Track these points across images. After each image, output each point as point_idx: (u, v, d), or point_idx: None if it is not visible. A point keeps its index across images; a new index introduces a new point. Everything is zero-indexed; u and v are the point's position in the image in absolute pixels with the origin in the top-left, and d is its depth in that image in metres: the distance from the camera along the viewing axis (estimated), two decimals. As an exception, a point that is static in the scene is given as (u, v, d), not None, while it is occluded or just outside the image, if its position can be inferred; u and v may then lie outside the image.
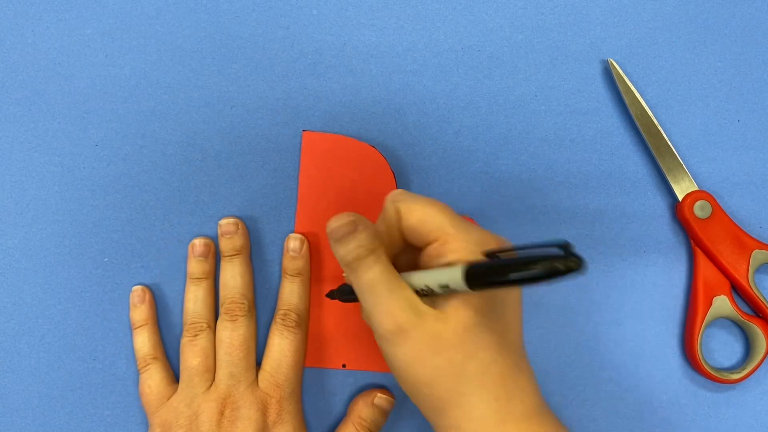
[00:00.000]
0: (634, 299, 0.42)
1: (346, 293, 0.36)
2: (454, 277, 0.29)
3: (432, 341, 0.30)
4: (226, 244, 0.40)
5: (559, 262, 0.25)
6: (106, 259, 0.41)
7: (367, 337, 0.41)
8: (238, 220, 0.41)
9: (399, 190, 0.34)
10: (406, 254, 0.34)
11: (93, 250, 0.41)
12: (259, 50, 0.43)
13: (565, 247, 0.25)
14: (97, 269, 0.41)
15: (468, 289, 0.29)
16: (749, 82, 0.44)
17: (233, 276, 0.40)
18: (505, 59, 0.43)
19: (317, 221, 0.41)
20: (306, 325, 0.40)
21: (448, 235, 0.31)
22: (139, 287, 0.41)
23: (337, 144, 0.42)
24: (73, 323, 0.41)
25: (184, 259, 0.41)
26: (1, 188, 0.41)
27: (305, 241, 0.41)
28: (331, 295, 0.38)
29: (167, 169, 0.42)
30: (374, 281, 0.31)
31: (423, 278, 0.31)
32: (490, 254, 0.29)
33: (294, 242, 0.41)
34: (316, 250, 0.41)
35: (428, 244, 0.32)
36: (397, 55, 0.43)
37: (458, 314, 0.30)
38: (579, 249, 0.42)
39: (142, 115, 0.42)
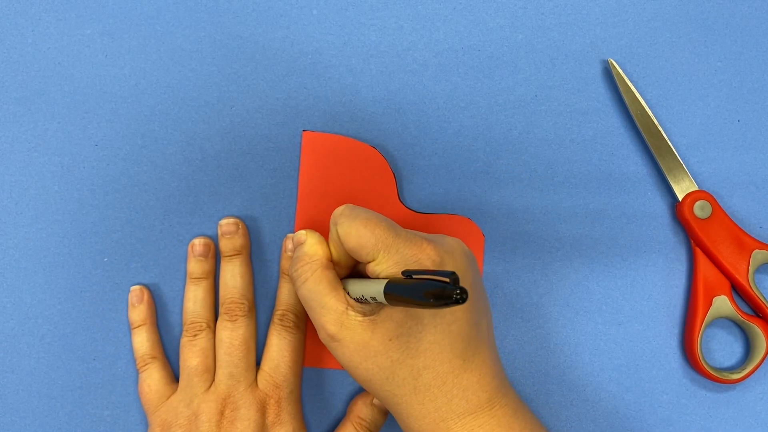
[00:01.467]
0: (634, 299, 0.42)
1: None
2: (378, 291, 0.31)
3: (360, 349, 0.33)
4: (226, 244, 0.40)
5: (449, 293, 0.26)
6: (105, 259, 0.41)
7: (367, 337, 0.41)
8: (238, 220, 0.41)
9: (341, 209, 0.35)
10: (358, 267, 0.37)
11: (93, 250, 0.41)
12: (259, 50, 0.43)
13: (453, 280, 0.27)
14: (96, 269, 0.41)
15: (387, 304, 0.30)
16: (749, 82, 0.44)
17: (233, 276, 0.40)
18: (505, 59, 0.43)
19: (317, 221, 0.41)
20: (304, 325, 0.40)
21: (380, 256, 0.33)
22: (137, 287, 0.41)
23: (337, 144, 0.42)
24: (73, 323, 0.41)
25: (184, 259, 0.41)
26: (1, 188, 0.41)
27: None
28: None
29: (167, 169, 0.42)
30: (312, 291, 0.34)
31: (360, 289, 0.33)
32: (407, 274, 0.30)
33: (292, 242, 0.41)
34: (316, 250, 0.41)
35: (368, 262, 0.34)
36: (397, 55, 0.43)
37: (384, 325, 0.33)
38: (579, 249, 0.42)
39: (142, 115, 0.42)
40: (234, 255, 0.40)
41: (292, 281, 0.36)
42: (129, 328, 0.41)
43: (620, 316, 0.42)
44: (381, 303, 0.31)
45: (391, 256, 0.33)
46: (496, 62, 0.43)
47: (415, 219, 0.41)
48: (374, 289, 0.31)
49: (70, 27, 0.42)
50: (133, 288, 0.41)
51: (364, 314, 0.33)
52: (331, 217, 0.36)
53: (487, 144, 0.43)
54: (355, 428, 0.39)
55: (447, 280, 0.27)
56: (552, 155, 0.43)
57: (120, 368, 0.41)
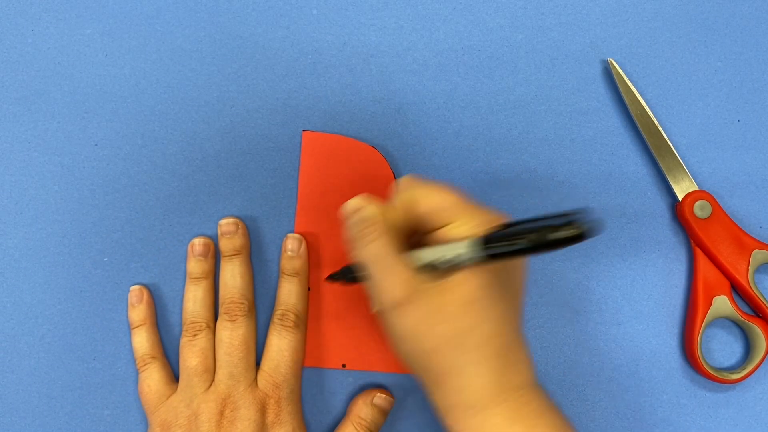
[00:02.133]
0: (634, 299, 0.42)
1: (348, 274, 0.36)
2: (464, 249, 0.31)
3: (435, 312, 0.32)
4: (225, 244, 0.40)
5: (565, 230, 0.27)
6: (105, 259, 0.41)
7: (367, 337, 0.41)
8: (238, 220, 0.41)
9: (409, 176, 0.35)
10: (413, 239, 0.35)
11: (93, 250, 0.41)
12: (259, 50, 0.43)
13: (572, 215, 0.28)
14: (96, 269, 0.41)
15: (478, 261, 0.30)
16: (749, 82, 0.44)
17: (233, 276, 0.40)
18: (505, 59, 0.43)
19: (317, 221, 0.41)
20: (304, 325, 0.40)
21: (459, 219, 0.33)
22: (137, 287, 0.41)
23: (337, 144, 0.42)
24: (73, 323, 0.41)
25: (184, 259, 0.41)
26: (1, 188, 0.41)
27: (303, 240, 0.41)
28: (333, 277, 0.38)
29: (167, 169, 0.42)
30: (378, 254, 0.32)
31: (432, 253, 0.32)
32: (513, 223, 0.31)
33: (292, 242, 0.41)
34: (315, 251, 0.41)
35: (440, 227, 0.33)
36: (397, 55, 0.43)
37: (463, 287, 0.32)
38: (579, 249, 0.42)
39: (142, 115, 0.42)
40: (234, 255, 0.40)
41: (352, 244, 0.34)
42: (129, 328, 0.41)
43: (620, 316, 0.42)
44: (461, 265, 0.31)
45: (473, 217, 0.32)
46: (496, 62, 0.43)
47: (415, 219, 0.41)
48: (456, 249, 0.31)
49: (70, 27, 0.42)
50: (132, 288, 0.41)
51: (434, 279, 0.32)
52: (398, 185, 0.35)
53: (487, 144, 0.43)
54: (355, 428, 0.39)
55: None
56: (552, 155, 0.43)
57: (120, 368, 0.41)
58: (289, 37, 0.43)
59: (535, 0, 0.44)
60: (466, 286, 0.32)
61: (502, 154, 0.43)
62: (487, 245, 0.30)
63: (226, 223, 0.41)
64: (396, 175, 0.42)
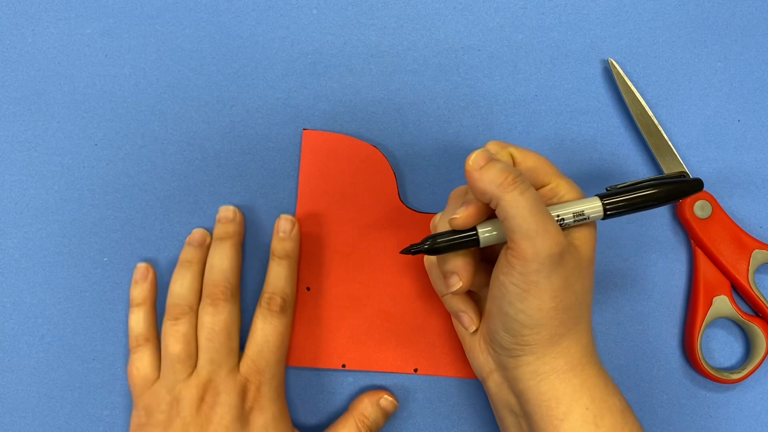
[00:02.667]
0: (634, 299, 0.42)
1: (442, 244, 0.34)
2: (593, 205, 0.34)
3: (577, 267, 0.33)
4: (219, 229, 0.40)
5: (685, 183, 0.34)
6: (105, 259, 0.41)
7: (368, 337, 0.41)
8: (236, 209, 0.41)
9: (495, 141, 0.35)
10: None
11: (93, 250, 0.41)
12: (259, 50, 0.43)
13: (683, 174, 0.35)
14: (96, 269, 0.41)
15: (602, 216, 0.34)
16: (749, 82, 0.44)
17: (221, 258, 0.39)
18: (505, 59, 0.43)
19: (317, 221, 0.41)
20: (291, 309, 0.40)
21: (558, 180, 0.35)
22: (143, 264, 0.40)
23: (337, 143, 0.42)
24: (73, 323, 0.41)
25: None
26: (1, 188, 0.41)
27: (296, 223, 0.41)
28: (415, 250, 0.34)
29: (167, 169, 0.42)
30: (539, 200, 0.32)
31: (557, 209, 0.34)
32: (610, 189, 0.35)
33: (284, 223, 0.40)
34: (315, 249, 0.41)
35: (539, 187, 0.35)
36: (397, 55, 0.43)
37: (586, 246, 0.34)
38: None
39: (142, 115, 0.42)
40: (225, 239, 0.40)
41: (503, 190, 0.31)
42: (129, 328, 0.41)
43: (620, 316, 0.42)
44: (585, 221, 0.34)
45: (567, 182, 0.35)
46: (496, 62, 0.43)
47: (415, 218, 0.41)
48: (583, 205, 0.34)
49: (70, 27, 0.42)
50: (139, 265, 0.40)
51: None
52: (493, 146, 0.35)
53: (487, 144, 0.43)
54: (357, 425, 0.39)
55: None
56: (552, 155, 0.43)
57: (120, 368, 0.41)
58: (289, 37, 0.43)
59: (535, 0, 0.44)
60: (589, 245, 0.34)
61: (502, 154, 0.43)
62: (616, 200, 0.34)
63: (224, 209, 0.41)
64: (396, 175, 0.42)
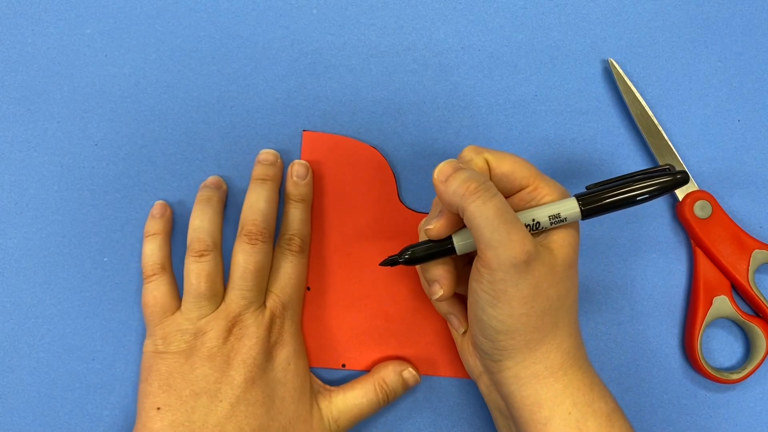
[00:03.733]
0: (634, 299, 0.42)
1: (419, 254, 0.34)
2: (570, 205, 0.33)
3: (549, 273, 0.32)
4: (259, 170, 0.40)
5: (668, 177, 0.31)
6: (105, 259, 0.41)
7: (367, 337, 0.41)
8: (278, 154, 0.41)
9: (472, 146, 0.35)
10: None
11: (93, 250, 0.41)
12: (259, 50, 0.43)
13: (659, 168, 0.31)
14: (96, 269, 0.41)
15: (579, 217, 0.33)
16: (749, 82, 0.44)
17: (259, 199, 0.39)
18: (505, 59, 0.43)
19: (317, 221, 0.41)
20: (308, 249, 0.41)
21: (538, 182, 0.34)
22: (161, 202, 0.41)
23: (337, 144, 0.42)
24: (73, 323, 0.41)
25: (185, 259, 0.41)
26: (1, 188, 0.41)
27: (310, 168, 0.41)
28: (392, 261, 0.35)
29: (167, 169, 0.42)
30: (502, 208, 0.31)
31: (531, 213, 0.33)
32: (590, 188, 0.34)
33: (299, 168, 0.40)
34: (316, 250, 0.41)
35: (517, 191, 0.34)
36: (397, 55, 0.43)
37: (563, 250, 0.33)
38: (579, 249, 0.42)
39: (142, 115, 0.42)
40: (266, 180, 0.40)
41: (466, 200, 0.31)
42: (129, 329, 0.41)
43: (620, 316, 0.42)
44: (562, 223, 0.33)
45: (547, 183, 0.34)
46: (496, 62, 0.43)
47: (414, 219, 0.41)
48: (559, 207, 0.33)
49: (70, 27, 0.42)
50: (157, 202, 0.41)
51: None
52: (467, 152, 0.35)
53: (487, 144, 0.43)
54: (376, 389, 0.39)
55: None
56: (552, 155, 0.43)
57: (120, 368, 0.41)
58: (289, 37, 0.43)
59: (535, 0, 0.44)
60: (566, 248, 0.33)
61: (502, 154, 0.43)
62: (593, 201, 0.33)
63: (265, 152, 0.41)
64: (396, 175, 0.42)
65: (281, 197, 0.41)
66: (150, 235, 0.40)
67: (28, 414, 0.40)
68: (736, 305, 0.41)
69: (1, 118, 0.42)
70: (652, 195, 0.33)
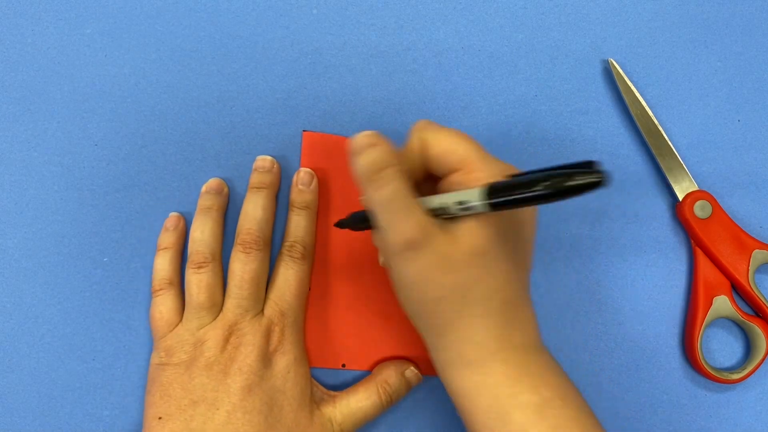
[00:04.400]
0: (634, 299, 0.42)
1: (358, 221, 0.36)
2: (474, 194, 0.30)
3: (442, 261, 0.31)
4: (256, 178, 0.40)
5: (581, 177, 0.26)
6: (105, 259, 0.41)
7: (367, 337, 0.41)
8: (273, 160, 0.41)
9: (424, 121, 0.34)
10: (426, 186, 0.35)
11: (93, 250, 0.41)
12: (259, 50, 0.43)
13: (588, 164, 0.27)
14: (96, 269, 0.41)
15: (486, 208, 0.29)
16: (749, 82, 0.44)
17: (255, 207, 0.39)
18: (505, 59, 0.43)
19: (317, 221, 0.41)
20: (311, 257, 0.41)
21: (472, 164, 0.32)
22: (175, 214, 0.41)
23: (337, 144, 0.42)
24: (73, 323, 0.41)
25: (185, 259, 0.41)
26: (1, 188, 0.41)
27: (315, 176, 0.41)
28: (341, 224, 0.37)
29: (167, 169, 0.42)
30: (391, 196, 0.31)
31: (440, 198, 0.31)
32: (512, 176, 0.30)
33: (304, 175, 0.41)
34: (316, 251, 0.41)
35: (452, 172, 0.33)
36: (397, 55, 0.43)
37: (470, 238, 0.31)
38: (579, 249, 0.42)
39: (142, 115, 0.42)
40: (261, 188, 0.40)
41: (367, 181, 0.32)
42: (129, 329, 0.41)
43: (620, 316, 0.42)
44: (470, 210, 0.30)
45: (485, 165, 0.32)
46: (496, 62, 0.43)
47: (415, 219, 0.41)
48: (466, 194, 0.30)
49: (70, 27, 0.42)
50: (171, 214, 0.41)
51: (443, 226, 0.32)
52: (413, 128, 0.34)
53: (487, 144, 0.42)
54: (378, 390, 0.39)
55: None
56: (552, 155, 0.43)
57: (120, 368, 0.41)
58: (289, 37, 0.43)
59: (535, 0, 0.44)
60: (474, 236, 0.31)
61: (502, 154, 0.43)
62: (499, 193, 0.29)
63: (261, 159, 0.41)
64: (396, 175, 0.42)
65: (284, 203, 0.41)
66: (161, 249, 0.40)
67: (28, 414, 0.40)
68: (736, 305, 0.41)
69: (1, 118, 0.42)
70: (565, 195, 0.27)
